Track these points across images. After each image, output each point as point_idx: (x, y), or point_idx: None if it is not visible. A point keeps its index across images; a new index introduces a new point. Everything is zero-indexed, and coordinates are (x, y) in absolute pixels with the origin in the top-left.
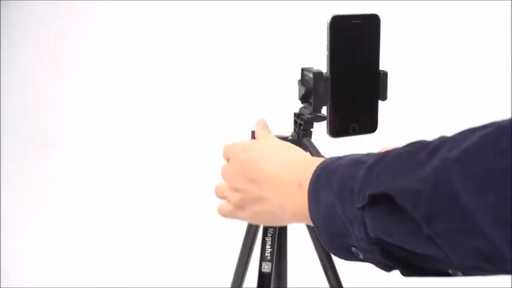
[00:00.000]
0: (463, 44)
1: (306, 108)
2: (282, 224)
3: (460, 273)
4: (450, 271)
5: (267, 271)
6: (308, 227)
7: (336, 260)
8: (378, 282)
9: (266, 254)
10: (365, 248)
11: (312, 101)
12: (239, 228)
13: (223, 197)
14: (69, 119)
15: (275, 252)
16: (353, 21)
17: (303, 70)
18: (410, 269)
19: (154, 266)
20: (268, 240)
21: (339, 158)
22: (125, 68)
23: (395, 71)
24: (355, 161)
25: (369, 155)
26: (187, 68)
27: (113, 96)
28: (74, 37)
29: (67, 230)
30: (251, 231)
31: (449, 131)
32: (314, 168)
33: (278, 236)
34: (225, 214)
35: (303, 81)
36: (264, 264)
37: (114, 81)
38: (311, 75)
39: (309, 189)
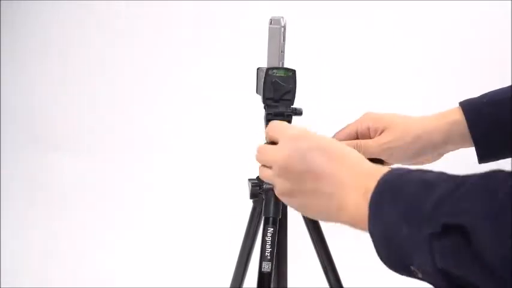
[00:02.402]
0: (463, 44)
1: None
2: (328, 222)
3: None
4: None
5: (267, 271)
6: (308, 226)
7: (336, 260)
8: (378, 282)
9: (266, 253)
10: (428, 272)
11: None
12: (239, 228)
13: (269, 182)
14: (69, 120)
15: (275, 252)
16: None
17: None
18: None
19: (155, 266)
20: (268, 240)
21: (405, 174)
22: (126, 70)
23: (396, 72)
24: (426, 183)
25: (440, 177)
26: (187, 69)
27: (115, 98)
28: (75, 37)
29: (67, 230)
30: (251, 231)
31: None
32: (379, 178)
33: (278, 236)
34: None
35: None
36: (264, 263)
37: (116, 82)
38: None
39: (371, 200)
